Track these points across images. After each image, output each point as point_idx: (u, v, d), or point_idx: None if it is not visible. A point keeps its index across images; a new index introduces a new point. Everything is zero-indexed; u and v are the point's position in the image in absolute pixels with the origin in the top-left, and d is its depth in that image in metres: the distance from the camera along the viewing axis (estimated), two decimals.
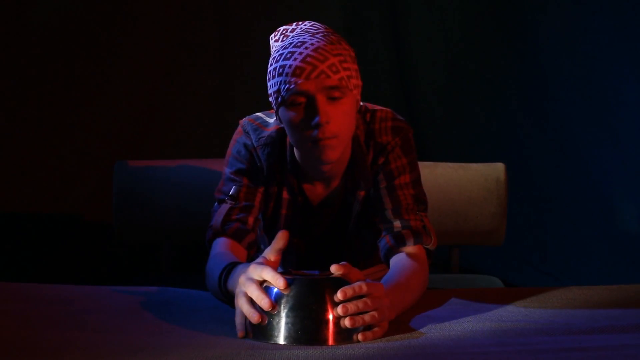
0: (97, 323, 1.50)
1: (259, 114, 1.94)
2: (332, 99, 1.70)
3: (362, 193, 1.87)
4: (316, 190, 1.90)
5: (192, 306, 1.64)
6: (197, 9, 3.07)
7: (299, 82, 1.68)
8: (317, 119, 1.68)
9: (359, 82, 1.78)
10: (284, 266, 2.03)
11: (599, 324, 1.48)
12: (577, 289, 1.77)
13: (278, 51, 1.73)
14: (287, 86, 1.69)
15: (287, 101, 1.72)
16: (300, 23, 1.81)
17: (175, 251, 2.64)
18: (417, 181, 1.88)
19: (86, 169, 3.01)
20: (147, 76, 3.05)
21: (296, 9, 3.11)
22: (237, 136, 1.91)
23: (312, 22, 1.79)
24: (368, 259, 1.99)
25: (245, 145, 1.88)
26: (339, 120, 1.71)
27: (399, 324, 1.49)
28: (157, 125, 3.07)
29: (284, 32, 1.81)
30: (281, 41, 1.80)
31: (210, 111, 3.11)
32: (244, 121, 1.93)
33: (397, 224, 1.82)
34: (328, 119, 1.69)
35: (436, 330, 1.46)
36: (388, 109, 1.92)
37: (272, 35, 1.84)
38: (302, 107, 1.71)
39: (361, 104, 1.91)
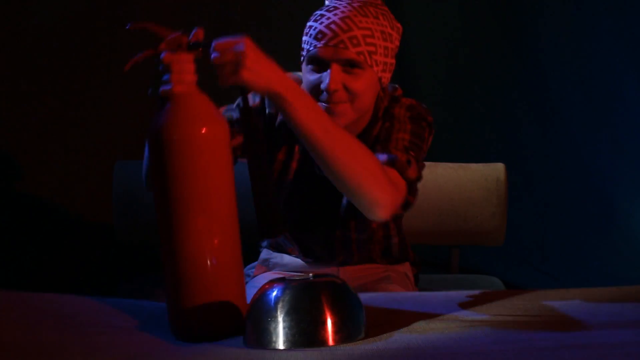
0: (99, 342, 1.47)
1: None
2: (349, 70, 1.74)
3: None
4: None
5: None
6: (197, 8, 3.07)
7: (319, 46, 1.73)
8: (326, 84, 1.72)
9: (387, 60, 1.79)
10: (281, 252, 2.03)
11: (599, 319, 1.48)
12: (578, 290, 1.77)
13: (317, 10, 1.78)
14: (309, 47, 1.76)
15: (308, 60, 1.77)
16: None
17: None
18: (415, 141, 1.82)
19: (86, 169, 3.00)
20: (147, 76, 3.04)
21: (296, 8, 3.10)
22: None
23: None
24: (363, 249, 1.97)
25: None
26: (353, 90, 1.73)
27: (399, 323, 1.48)
28: None
29: None
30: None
31: None
32: None
33: (383, 158, 1.74)
34: (337, 87, 1.72)
35: (437, 330, 1.45)
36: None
37: None
38: (319, 69, 1.76)
39: (396, 85, 1.92)
